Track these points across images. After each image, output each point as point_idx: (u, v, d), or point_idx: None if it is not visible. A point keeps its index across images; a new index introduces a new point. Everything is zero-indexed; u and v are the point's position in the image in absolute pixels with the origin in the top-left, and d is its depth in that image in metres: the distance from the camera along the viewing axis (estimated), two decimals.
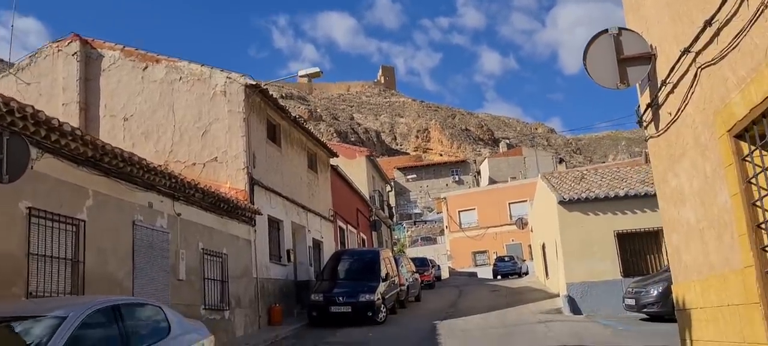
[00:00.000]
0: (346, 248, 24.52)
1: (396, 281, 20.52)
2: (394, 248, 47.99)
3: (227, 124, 17.05)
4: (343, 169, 30.47)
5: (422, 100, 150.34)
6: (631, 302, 15.42)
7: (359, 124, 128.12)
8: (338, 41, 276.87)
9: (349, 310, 16.93)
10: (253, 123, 17.56)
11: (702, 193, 5.65)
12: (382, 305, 17.55)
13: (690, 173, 5.86)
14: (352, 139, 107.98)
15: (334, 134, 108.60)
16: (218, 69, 17.50)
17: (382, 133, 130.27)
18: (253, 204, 16.61)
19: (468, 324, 16.63)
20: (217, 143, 17.06)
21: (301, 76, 19.82)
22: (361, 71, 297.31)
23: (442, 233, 60.33)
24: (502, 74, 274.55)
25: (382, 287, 17.90)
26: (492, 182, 68.63)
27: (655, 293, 14.84)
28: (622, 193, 18.19)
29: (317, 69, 18.99)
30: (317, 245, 22.67)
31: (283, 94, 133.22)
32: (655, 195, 17.25)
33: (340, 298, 17.05)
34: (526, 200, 43.90)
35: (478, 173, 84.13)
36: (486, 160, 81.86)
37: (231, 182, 16.66)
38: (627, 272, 17.88)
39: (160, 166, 12.11)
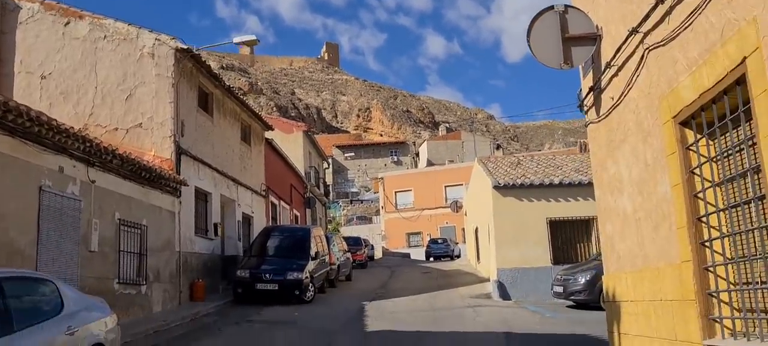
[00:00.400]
0: (278, 224, 23.86)
1: (326, 260, 20.06)
2: (329, 227, 47.55)
3: (154, 89, 16.11)
4: (279, 144, 29.68)
5: (365, 79, 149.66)
6: (560, 289, 15.46)
7: (300, 100, 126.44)
8: (283, 15, 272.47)
9: (276, 288, 16.38)
10: (182, 89, 16.68)
11: (641, 182, 5.39)
12: (311, 284, 17.07)
13: (629, 160, 5.59)
14: (293, 114, 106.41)
15: (275, 109, 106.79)
16: (146, 29, 16.49)
17: (323, 110, 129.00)
18: (179, 174, 15.80)
19: (397, 306, 16.36)
20: (142, 108, 16.10)
21: (237, 43, 19.03)
22: (305, 47, 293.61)
23: (377, 212, 60.20)
24: (445, 58, 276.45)
25: (311, 265, 17.41)
26: (430, 164, 68.81)
27: (583, 281, 14.90)
28: (556, 180, 18.21)
29: (253, 36, 18.22)
30: (247, 219, 21.95)
31: (224, 65, 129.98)
32: (589, 184, 17.33)
33: (267, 275, 16.48)
34: (462, 184, 44.09)
35: (417, 154, 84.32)
36: (425, 142, 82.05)
37: (156, 150, 15.78)
38: (557, 260, 17.97)
39: (73, 128, 11.20)
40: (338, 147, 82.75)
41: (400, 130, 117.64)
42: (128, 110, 16.13)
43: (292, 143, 33.68)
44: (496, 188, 18.07)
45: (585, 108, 6.75)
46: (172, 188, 15.36)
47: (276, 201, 25.98)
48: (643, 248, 5.39)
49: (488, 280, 20.61)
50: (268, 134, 28.77)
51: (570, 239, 18.35)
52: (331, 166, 49.31)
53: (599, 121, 6.29)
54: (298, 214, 30.79)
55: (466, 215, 32.23)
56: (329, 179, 74.34)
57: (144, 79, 16.19)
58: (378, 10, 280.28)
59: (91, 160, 11.67)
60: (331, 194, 73.95)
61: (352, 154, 75.74)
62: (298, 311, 15.24)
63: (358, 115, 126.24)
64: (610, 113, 5.93)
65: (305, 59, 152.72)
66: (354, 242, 33.67)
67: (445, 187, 50.25)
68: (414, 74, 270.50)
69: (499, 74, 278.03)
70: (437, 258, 40.51)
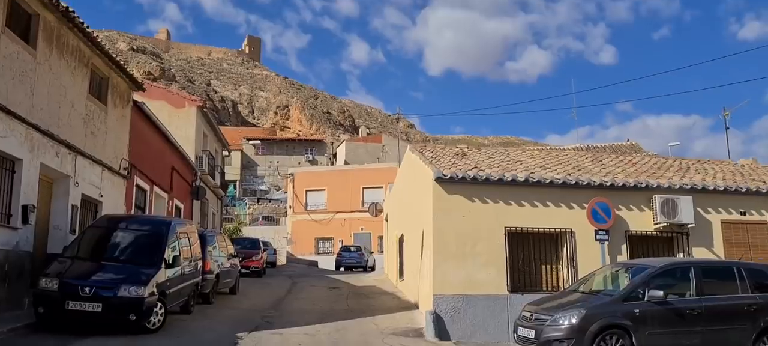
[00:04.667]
0: (128, 213, 17.72)
1: (197, 267, 14.39)
2: (228, 226, 41.55)
3: None
4: (166, 119, 23.68)
5: (286, 77, 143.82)
6: (529, 333, 10.43)
7: (216, 92, 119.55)
8: (204, 5, 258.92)
9: (99, 309, 10.56)
10: None
11: None
12: (159, 304, 11.38)
13: None
14: (207, 106, 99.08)
15: None
16: None
17: (239, 105, 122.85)
18: None
19: (286, 344, 10.96)
20: None
21: None
22: (226, 41, 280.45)
23: (286, 214, 54.34)
24: (368, 65, 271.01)
25: (164, 275, 11.72)
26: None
27: (566, 324, 9.94)
28: (520, 177, 13.27)
29: None
30: (92, 205, 15.93)
31: (135, 47, 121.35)
32: (562, 184, 12.50)
33: (87, 289, 10.63)
34: (382, 186, 39.04)
35: (334, 155, 78.73)
36: (344, 143, 76.60)
37: None
38: (515, 287, 13.05)
39: None
40: (249, 140, 76.14)
41: (318, 131, 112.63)
42: None
43: (182, 120, 27.66)
44: (440, 181, 12.92)
45: None
46: None
47: (146, 185, 19.95)
48: None
49: (415, 307, 15.49)
50: (153, 105, 22.89)
51: (533, 260, 13.47)
52: (229, 153, 43.02)
53: None
54: (182, 206, 24.76)
55: (386, 220, 27.11)
56: (235, 173, 67.85)
57: None
58: (303, 10, 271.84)
59: None
60: (236, 190, 67.43)
61: (258, 143, 69.39)
62: None
63: (276, 113, 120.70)
64: None
65: (225, 50, 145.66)
66: (250, 245, 27.92)
67: (363, 189, 44.92)
68: (336, 78, 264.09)
69: (419, 86, 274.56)
70: (349, 268, 35.35)
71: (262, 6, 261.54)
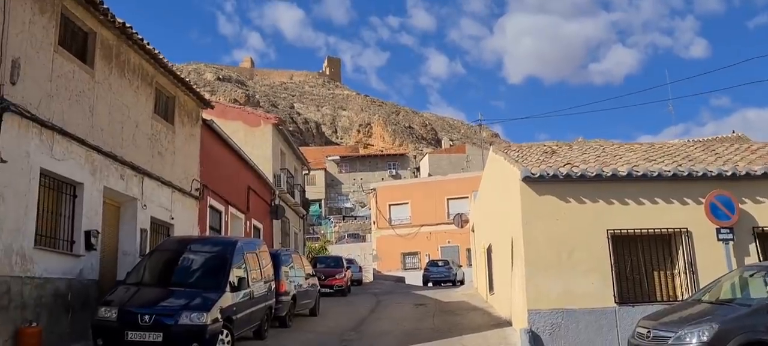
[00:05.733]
0: (198, 234, 16.98)
1: (270, 289, 13.46)
2: (310, 245, 41.07)
3: None
4: (239, 137, 23.28)
5: (367, 95, 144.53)
6: None
7: (299, 114, 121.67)
8: (285, 32, 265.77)
9: (160, 339, 9.74)
10: (23, 10, 10.20)
11: None
12: (225, 330, 10.45)
13: None
14: (291, 128, 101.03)
15: None
16: None
17: (322, 126, 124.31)
18: None
19: None
20: None
21: None
22: (307, 64, 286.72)
23: (371, 230, 53.57)
24: (447, 78, 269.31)
25: (228, 299, 10.80)
26: None
27: (695, 342, 8.19)
28: (621, 171, 11.56)
29: None
30: (162, 228, 15.36)
31: (221, 76, 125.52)
32: (673, 177, 10.71)
33: (146, 317, 9.82)
34: (467, 196, 37.41)
35: (417, 169, 77.61)
36: (426, 156, 75.31)
37: None
38: (623, 298, 11.31)
39: None
40: (332, 158, 76.15)
41: (401, 146, 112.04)
42: None
43: (259, 139, 27.22)
44: (528, 180, 11.42)
45: None
46: None
47: (220, 206, 19.36)
48: None
49: (508, 323, 13.95)
50: (229, 126, 22.73)
51: (643, 266, 11.69)
52: (311, 172, 42.54)
53: None
54: (261, 226, 24.15)
55: (473, 231, 25.58)
56: (320, 192, 67.89)
57: None
58: (381, 28, 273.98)
59: None
60: (321, 209, 67.44)
61: (338, 160, 69.12)
62: None
63: (359, 131, 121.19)
64: None
65: (306, 73, 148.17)
66: (334, 263, 27.07)
67: (448, 200, 43.39)
68: (416, 93, 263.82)
69: (500, 95, 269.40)
70: (437, 283, 33.94)
71: (340, 28, 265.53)
